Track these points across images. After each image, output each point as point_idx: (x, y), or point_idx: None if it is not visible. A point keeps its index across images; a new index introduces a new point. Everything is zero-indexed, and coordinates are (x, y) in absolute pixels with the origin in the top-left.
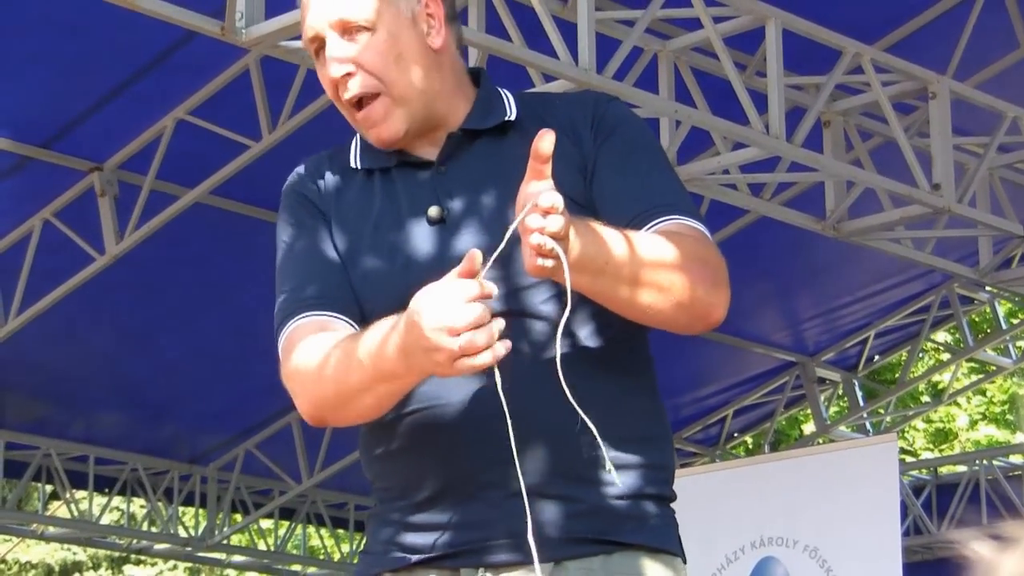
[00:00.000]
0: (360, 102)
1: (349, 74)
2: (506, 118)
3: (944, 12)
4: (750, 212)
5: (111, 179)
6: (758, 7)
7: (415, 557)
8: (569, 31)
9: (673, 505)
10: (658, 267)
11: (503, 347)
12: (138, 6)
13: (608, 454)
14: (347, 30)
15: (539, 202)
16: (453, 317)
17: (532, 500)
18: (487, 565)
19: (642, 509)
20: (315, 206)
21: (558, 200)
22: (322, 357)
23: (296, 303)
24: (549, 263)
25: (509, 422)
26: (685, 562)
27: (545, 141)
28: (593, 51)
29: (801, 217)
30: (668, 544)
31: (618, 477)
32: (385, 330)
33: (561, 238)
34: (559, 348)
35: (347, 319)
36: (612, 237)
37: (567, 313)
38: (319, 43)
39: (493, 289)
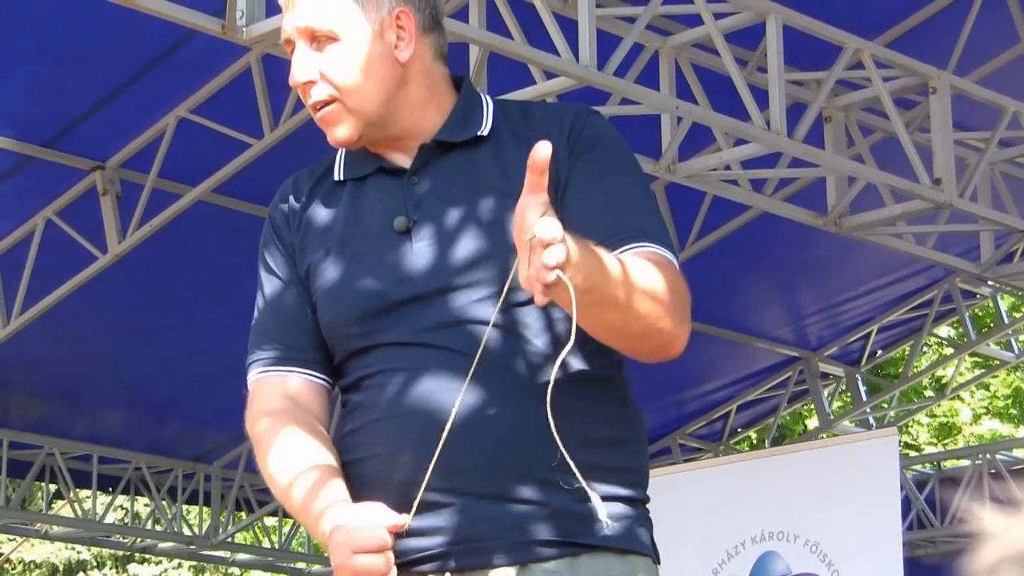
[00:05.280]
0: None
1: (310, 82)
2: (478, 132)
3: (944, 7)
4: (752, 208)
5: (113, 178)
6: (759, 3)
7: None
8: (570, 28)
9: (648, 506)
10: (639, 293)
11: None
12: (139, 5)
13: (574, 457)
14: (314, 38)
15: (540, 235)
16: (356, 567)
17: (497, 504)
18: (452, 570)
19: (609, 511)
20: (282, 240)
21: (558, 230)
22: (272, 467)
23: (258, 355)
24: (551, 292)
25: (448, 426)
26: (657, 562)
27: (540, 152)
28: (594, 48)
29: (803, 212)
30: (636, 545)
31: (584, 480)
32: (314, 514)
33: (564, 267)
34: (556, 369)
35: (302, 370)
36: (604, 258)
37: (571, 343)
38: (292, 46)
39: (404, 526)
